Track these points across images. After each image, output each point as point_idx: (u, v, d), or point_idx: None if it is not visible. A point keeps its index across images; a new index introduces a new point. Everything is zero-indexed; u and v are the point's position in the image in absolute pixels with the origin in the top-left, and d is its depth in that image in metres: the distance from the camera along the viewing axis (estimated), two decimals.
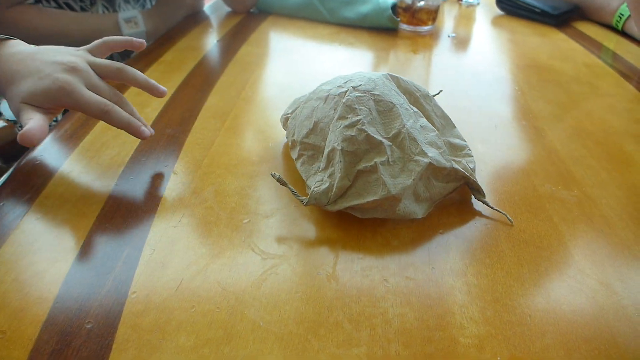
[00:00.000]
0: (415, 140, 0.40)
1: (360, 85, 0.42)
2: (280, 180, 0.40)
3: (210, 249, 0.37)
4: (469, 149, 0.45)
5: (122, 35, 0.82)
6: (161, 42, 0.82)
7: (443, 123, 0.47)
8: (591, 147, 0.53)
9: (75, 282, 0.34)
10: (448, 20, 1.03)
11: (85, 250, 0.37)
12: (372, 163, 0.39)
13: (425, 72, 0.74)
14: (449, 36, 0.91)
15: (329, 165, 0.41)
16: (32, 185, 0.44)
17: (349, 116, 0.41)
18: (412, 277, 0.36)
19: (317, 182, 0.40)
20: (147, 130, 0.45)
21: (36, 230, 0.39)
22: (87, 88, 0.44)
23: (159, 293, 0.33)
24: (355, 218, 0.41)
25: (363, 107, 0.41)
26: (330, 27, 0.93)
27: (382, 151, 0.39)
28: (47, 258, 0.36)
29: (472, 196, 0.44)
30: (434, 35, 0.91)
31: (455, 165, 0.41)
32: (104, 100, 0.43)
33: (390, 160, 0.39)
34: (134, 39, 0.50)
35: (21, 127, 0.81)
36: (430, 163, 0.40)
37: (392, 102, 0.42)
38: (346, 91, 0.42)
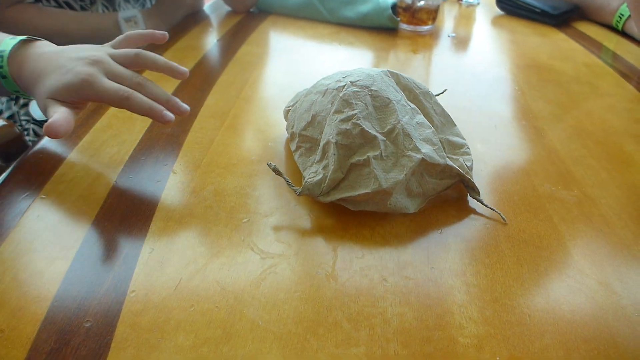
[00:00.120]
0: (409, 136, 0.41)
1: (358, 81, 0.43)
2: (275, 170, 0.41)
3: (209, 248, 0.37)
4: (468, 147, 0.46)
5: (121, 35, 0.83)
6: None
7: (443, 121, 0.47)
8: (591, 147, 0.53)
9: (74, 281, 0.34)
10: (448, 20, 1.03)
11: (84, 249, 0.37)
12: (365, 157, 0.40)
13: (425, 72, 0.74)
14: (449, 36, 0.91)
15: (323, 158, 0.41)
16: (31, 183, 0.44)
17: (345, 110, 0.41)
18: (411, 277, 0.35)
19: (312, 173, 0.41)
20: (169, 115, 0.43)
21: (35, 229, 0.39)
22: (108, 78, 0.44)
23: (157, 292, 0.33)
24: (354, 217, 0.41)
25: (359, 102, 0.41)
26: (330, 27, 0.93)
27: (376, 146, 0.40)
28: (46, 257, 0.36)
29: (468, 195, 0.44)
30: (434, 35, 0.91)
31: (450, 162, 0.42)
32: (123, 87, 0.43)
33: (383, 154, 0.40)
34: (156, 31, 0.50)
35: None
36: (423, 159, 0.40)
37: (388, 98, 0.42)
38: (344, 86, 0.43)
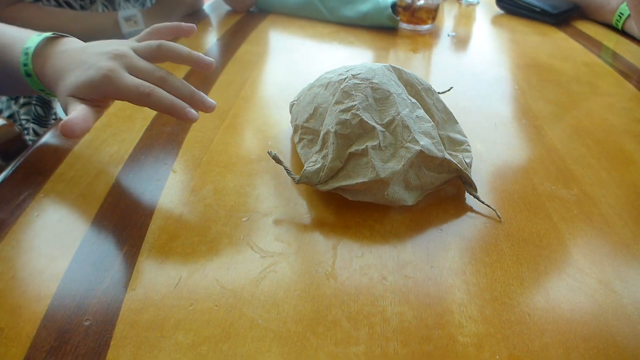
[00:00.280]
0: (408, 128, 0.41)
1: (359, 74, 0.44)
2: (275, 158, 0.41)
3: (208, 247, 0.37)
4: (468, 145, 0.46)
5: (122, 34, 0.83)
6: None
7: (444, 118, 0.48)
8: (591, 146, 0.53)
9: (73, 280, 0.34)
10: (448, 19, 1.03)
11: (83, 248, 0.37)
12: (363, 147, 0.40)
13: (425, 71, 0.74)
14: (448, 35, 0.91)
15: (323, 147, 0.42)
16: (31, 182, 0.44)
17: (345, 101, 0.42)
18: (411, 276, 0.35)
19: (311, 162, 0.42)
20: (192, 113, 0.41)
21: (35, 227, 0.39)
22: (130, 72, 0.41)
23: (157, 290, 0.33)
24: (354, 216, 0.41)
25: (360, 94, 0.42)
26: (330, 26, 0.93)
27: (375, 136, 0.40)
28: (45, 255, 0.36)
29: (466, 192, 0.44)
30: (433, 34, 0.91)
31: (448, 157, 0.42)
32: (144, 83, 0.41)
33: (381, 145, 0.40)
34: (182, 23, 0.48)
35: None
36: (421, 151, 0.40)
37: (389, 91, 0.43)
38: (345, 78, 0.44)
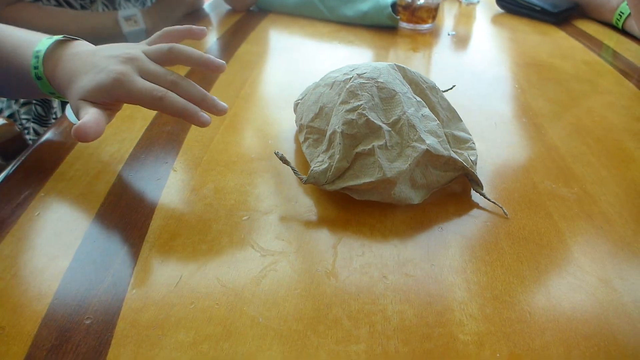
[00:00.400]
0: (414, 127, 0.41)
1: (365, 73, 0.44)
2: (282, 159, 0.41)
3: (209, 246, 0.37)
4: (473, 143, 0.46)
5: (122, 33, 0.83)
6: None
7: (449, 116, 0.48)
8: (591, 144, 0.53)
9: (74, 278, 0.34)
10: (448, 19, 1.03)
11: (84, 247, 0.37)
12: (370, 146, 0.40)
13: (425, 71, 0.74)
14: (449, 34, 0.91)
15: (330, 147, 0.42)
16: (31, 181, 0.44)
17: (351, 101, 0.42)
18: (412, 274, 0.35)
19: (318, 162, 0.42)
20: (205, 117, 0.41)
21: (36, 226, 0.39)
22: (141, 76, 0.41)
23: (158, 289, 0.33)
24: (354, 215, 0.41)
25: (365, 93, 0.42)
26: (330, 25, 0.93)
27: (381, 136, 0.40)
28: (46, 254, 0.36)
29: (471, 189, 0.44)
30: (433, 34, 0.91)
31: (454, 155, 0.42)
32: (156, 87, 0.40)
33: (388, 144, 0.40)
34: (194, 27, 0.48)
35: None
36: (427, 150, 0.40)
37: (394, 90, 0.43)
38: (351, 78, 0.44)
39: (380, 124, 0.41)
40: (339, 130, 0.41)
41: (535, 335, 0.31)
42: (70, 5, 0.82)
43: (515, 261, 0.37)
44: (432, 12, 0.91)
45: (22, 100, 0.82)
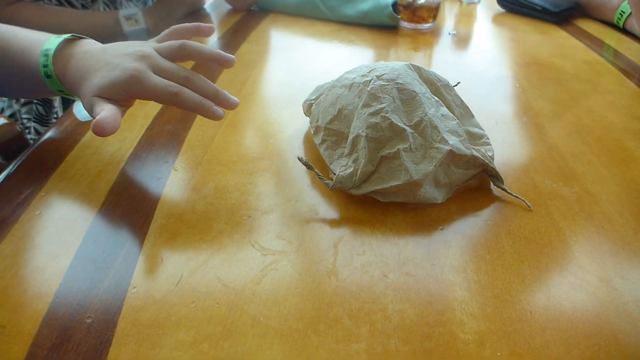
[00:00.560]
0: (436, 128, 0.41)
1: (384, 75, 0.44)
2: (306, 164, 0.42)
3: (210, 245, 0.37)
4: (487, 138, 0.47)
5: (123, 33, 0.83)
6: None
7: (462, 112, 0.48)
8: (591, 143, 0.53)
9: (75, 277, 0.34)
10: (449, 18, 1.03)
11: (85, 246, 0.37)
12: (395, 149, 0.40)
13: None
14: (449, 34, 0.91)
15: (353, 151, 0.42)
16: (32, 181, 0.44)
17: (373, 104, 0.42)
18: (412, 273, 0.35)
19: (342, 166, 0.42)
20: (219, 111, 0.42)
21: (37, 225, 0.39)
22: (155, 73, 0.42)
23: (158, 288, 0.33)
24: (355, 214, 0.41)
25: (387, 96, 0.42)
26: (331, 25, 0.93)
27: (405, 138, 0.41)
28: (47, 253, 0.36)
29: (491, 184, 0.45)
30: (434, 33, 0.91)
31: (475, 153, 0.42)
32: (171, 83, 0.42)
33: (412, 147, 0.41)
34: (202, 24, 0.49)
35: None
36: (450, 150, 0.41)
37: (414, 91, 0.43)
38: (370, 80, 0.44)
39: (404, 126, 0.41)
40: (364, 134, 0.41)
41: (535, 334, 0.31)
42: (71, 5, 0.82)
43: (516, 260, 0.37)
44: (433, 12, 0.91)
45: (23, 100, 0.82)
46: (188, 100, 0.41)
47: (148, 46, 0.45)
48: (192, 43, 0.45)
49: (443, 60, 0.78)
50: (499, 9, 1.10)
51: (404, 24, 0.92)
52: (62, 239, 0.38)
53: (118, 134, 0.51)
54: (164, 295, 0.33)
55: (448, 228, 0.40)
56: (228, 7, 1.03)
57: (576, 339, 0.31)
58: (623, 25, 0.95)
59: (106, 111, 0.38)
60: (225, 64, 0.45)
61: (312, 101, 0.51)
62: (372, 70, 0.45)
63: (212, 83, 0.44)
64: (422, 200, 0.41)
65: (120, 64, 0.41)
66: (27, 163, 0.47)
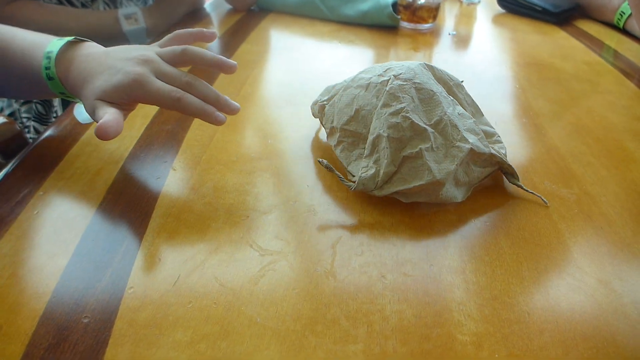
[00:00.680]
0: (456, 127, 0.42)
1: (401, 74, 0.44)
2: (327, 167, 0.41)
3: (208, 245, 0.37)
4: (499, 136, 0.47)
5: (122, 32, 0.83)
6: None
7: (473, 111, 0.49)
8: (591, 144, 0.53)
9: (72, 277, 0.34)
10: (449, 18, 1.02)
11: (83, 245, 0.37)
12: (417, 149, 0.40)
13: None
14: (449, 34, 0.91)
15: (374, 152, 0.42)
16: (31, 180, 0.44)
17: (393, 104, 0.42)
18: (410, 274, 0.35)
19: (363, 168, 0.42)
20: (221, 117, 0.43)
21: (34, 225, 0.39)
22: (157, 77, 0.42)
23: (156, 288, 0.33)
24: (353, 214, 0.41)
25: (406, 95, 0.42)
26: (331, 25, 0.93)
27: (426, 138, 0.41)
28: (45, 252, 0.36)
29: (505, 180, 0.45)
30: (434, 33, 0.91)
31: (493, 151, 0.43)
32: (174, 88, 0.42)
33: (434, 146, 0.41)
34: (205, 30, 0.49)
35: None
36: (471, 149, 0.41)
37: (432, 90, 0.43)
38: (388, 80, 0.44)
39: (425, 125, 0.41)
40: (385, 134, 0.41)
41: (533, 336, 0.31)
42: (71, 4, 0.82)
43: (515, 262, 0.37)
44: (433, 12, 0.91)
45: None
46: (190, 106, 0.42)
47: (151, 51, 0.45)
48: (194, 48, 0.45)
49: (443, 61, 0.78)
50: (499, 9, 1.09)
51: (404, 24, 0.92)
52: (60, 237, 0.38)
53: None
54: (161, 295, 0.33)
55: (446, 229, 0.40)
56: (228, 6, 1.02)
57: (574, 341, 0.31)
58: (623, 26, 0.95)
59: (109, 115, 0.39)
60: (227, 69, 0.46)
61: (325, 102, 0.50)
62: (387, 69, 0.45)
63: (213, 88, 0.44)
64: (444, 199, 0.41)
65: (123, 68, 0.42)
66: (25, 162, 0.47)
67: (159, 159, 0.48)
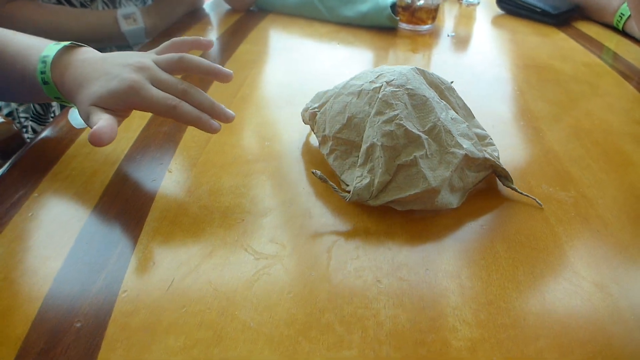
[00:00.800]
0: (450, 132, 0.41)
1: (393, 80, 0.43)
2: (321, 178, 0.41)
3: (202, 249, 0.37)
4: (491, 138, 0.47)
5: (121, 32, 0.83)
6: (160, 39, 0.81)
7: (464, 114, 0.48)
8: (589, 147, 0.53)
9: (66, 281, 0.34)
10: (448, 20, 1.02)
11: (77, 248, 0.37)
12: (411, 157, 0.40)
13: None
14: (448, 35, 0.91)
15: (367, 161, 0.41)
16: (26, 181, 0.44)
17: (386, 111, 0.41)
18: (406, 279, 0.35)
19: (357, 177, 0.41)
20: (216, 125, 0.43)
21: (29, 227, 0.39)
22: (153, 84, 0.42)
23: (149, 293, 0.33)
24: (349, 218, 0.41)
25: (399, 102, 0.42)
26: (330, 26, 0.93)
27: (421, 145, 0.40)
28: (39, 255, 0.36)
29: (499, 183, 0.45)
30: (433, 35, 0.91)
31: (487, 155, 0.42)
32: (170, 96, 0.42)
33: (428, 153, 0.40)
34: (202, 38, 0.49)
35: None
36: (465, 154, 0.41)
37: (425, 96, 0.43)
38: (380, 86, 0.43)
39: (418, 132, 0.40)
40: (379, 143, 0.40)
41: (529, 342, 0.31)
42: (70, 4, 0.82)
43: (511, 266, 0.37)
44: (432, 13, 0.91)
45: None
46: (186, 114, 0.42)
47: (147, 58, 0.45)
48: (191, 56, 0.45)
49: (442, 62, 0.78)
50: (498, 10, 1.09)
51: (403, 26, 0.92)
52: (55, 240, 0.37)
53: None
54: (155, 299, 0.33)
55: (442, 232, 0.40)
56: (227, 7, 1.02)
57: (570, 346, 0.31)
58: (622, 27, 0.95)
59: (103, 121, 0.39)
60: (223, 78, 0.46)
61: (316, 110, 0.49)
62: (379, 75, 0.44)
63: (209, 96, 0.44)
64: (439, 206, 0.40)
65: (119, 75, 0.42)
66: (21, 163, 0.47)
67: (155, 161, 0.48)
